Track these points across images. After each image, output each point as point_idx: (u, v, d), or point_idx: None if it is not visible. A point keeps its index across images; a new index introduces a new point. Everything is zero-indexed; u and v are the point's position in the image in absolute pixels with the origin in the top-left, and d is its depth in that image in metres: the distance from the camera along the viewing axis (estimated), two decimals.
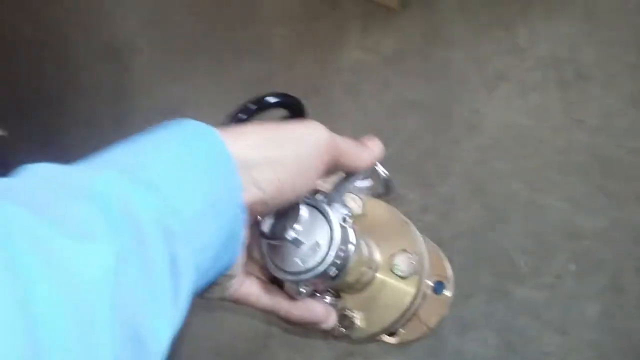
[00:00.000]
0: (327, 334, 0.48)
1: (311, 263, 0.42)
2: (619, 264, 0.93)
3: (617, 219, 0.95)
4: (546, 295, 0.95)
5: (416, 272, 0.49)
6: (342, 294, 0.48)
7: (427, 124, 1.12)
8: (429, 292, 0.54)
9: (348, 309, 0.48)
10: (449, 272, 0.63)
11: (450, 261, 0.63)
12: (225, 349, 1.12)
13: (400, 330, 0.53)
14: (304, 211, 0.42)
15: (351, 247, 0.43)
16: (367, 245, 0.48)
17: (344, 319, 0.48)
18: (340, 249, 0.42)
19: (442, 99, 1.12)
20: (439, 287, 0.56)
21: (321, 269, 0.41)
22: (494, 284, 0.98)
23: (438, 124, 1.11)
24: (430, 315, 0.54)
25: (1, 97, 1.39)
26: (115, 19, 1.47)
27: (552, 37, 1.09)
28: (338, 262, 0.42)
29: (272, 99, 1.06)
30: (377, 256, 0.49)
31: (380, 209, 0.52)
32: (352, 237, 0.44)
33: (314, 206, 0.43)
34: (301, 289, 0.43)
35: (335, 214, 0.43)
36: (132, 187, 0.30)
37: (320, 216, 0.43)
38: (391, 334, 0.53)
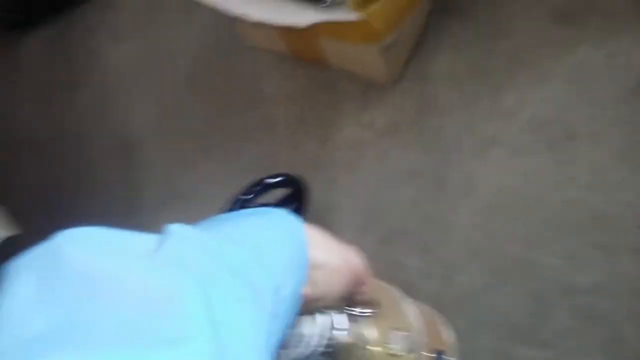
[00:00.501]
0: None
1: (294, 354, 0.44)
2: (618, 318, 0.93)
3: (613, 273, 0.95)
4: (548, 353, 0.95)
5: (412, 349, 0.51)
6: None
7: (424, 192, 1.14)
8: None
9: None
10: (451, 339, 0.65)
11: (453, 326, 0.65)
12: None
13: None
14: None
15: (339, 333, 0.46)
16: (362, 326, 0.50)
17: None
18: (321, 337, 0.45)
19: (437, 167, 1.14)
20: (440, 358, 0.56)
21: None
22: (496, 345, 0.98)
23: (435, 191, 1.13)
24: None
25: (16, 196, 1.44)
26: (128, 114, 1.53)
27: (539, 99, 1.11)
28: (321, 349, 0.44)
29: (273, 180, 1.11)
30: (373, 336, 0.50)
31: (373, 286, 0.53)
32: (339, 323, 0.47)
33: None
34: None
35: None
36: (256, 267, 0.36)
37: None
38: None
